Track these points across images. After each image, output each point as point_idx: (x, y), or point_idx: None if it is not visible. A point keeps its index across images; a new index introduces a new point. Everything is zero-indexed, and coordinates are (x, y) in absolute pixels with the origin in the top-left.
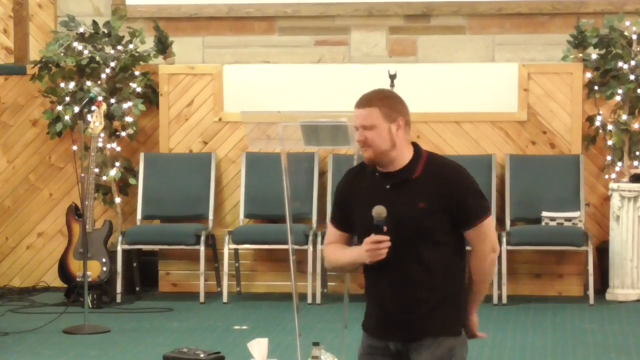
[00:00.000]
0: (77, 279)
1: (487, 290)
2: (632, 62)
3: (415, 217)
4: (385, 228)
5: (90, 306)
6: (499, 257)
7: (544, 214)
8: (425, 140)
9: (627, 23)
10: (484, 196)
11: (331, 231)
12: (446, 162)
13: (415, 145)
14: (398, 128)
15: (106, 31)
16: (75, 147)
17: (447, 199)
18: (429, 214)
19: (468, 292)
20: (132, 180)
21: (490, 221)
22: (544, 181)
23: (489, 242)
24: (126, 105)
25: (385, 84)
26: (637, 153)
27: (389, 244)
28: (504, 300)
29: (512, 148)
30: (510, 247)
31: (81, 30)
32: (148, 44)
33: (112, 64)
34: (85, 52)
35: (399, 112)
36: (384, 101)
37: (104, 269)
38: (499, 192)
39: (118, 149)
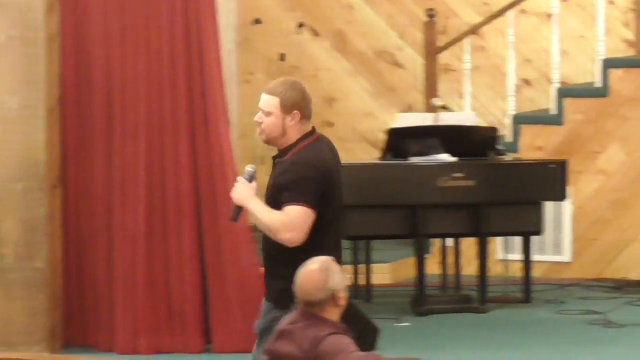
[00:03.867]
0: None
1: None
2: None
3: (268, 192)
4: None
5: None
6: None
7: None
8: None
9: None
10: (301, 189)
11: None
12: (304, 153)
13: (308, 135)
14: (292, 120)
15: None
16: None
17: (280, 180)
18: (275, 190)
19: None
20: None
21: (295, 208)
22: None
23: (287, 223)
24: None
25: None
26: None
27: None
28: None
29: None
30: None
31: None
32: None
33: None
34: None
35: (297, 106)
36: (287, 93)
37: None
38: None
39: None
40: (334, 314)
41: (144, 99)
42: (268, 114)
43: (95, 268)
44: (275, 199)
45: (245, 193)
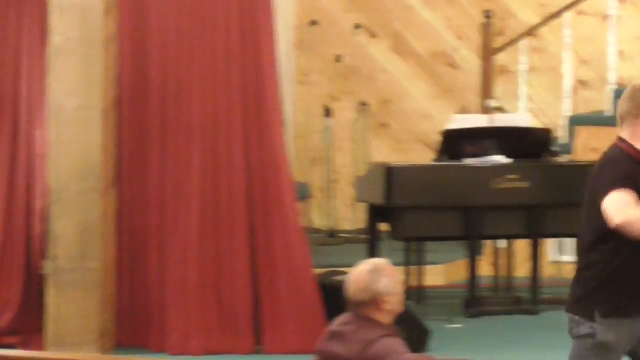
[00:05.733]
0: None
1: None
2: None
3: None
4: None
5: None
6: None
7: None
8: None
9: None
10: None
11: (628, 195)
12: None
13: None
14: None
15: None
16: None
17: None
18: None
19: None
20: None
21: None
22: None
23: None
24: None
25: None
26: None
27: None
28: None
29: None
30: None
31: None
32: None
33: None
34: None
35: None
36: None
37: None
38: None
39: None
40: (383, 316)
41: (199, 100)
42: None
43: (147, 268)
44: None
45: None
